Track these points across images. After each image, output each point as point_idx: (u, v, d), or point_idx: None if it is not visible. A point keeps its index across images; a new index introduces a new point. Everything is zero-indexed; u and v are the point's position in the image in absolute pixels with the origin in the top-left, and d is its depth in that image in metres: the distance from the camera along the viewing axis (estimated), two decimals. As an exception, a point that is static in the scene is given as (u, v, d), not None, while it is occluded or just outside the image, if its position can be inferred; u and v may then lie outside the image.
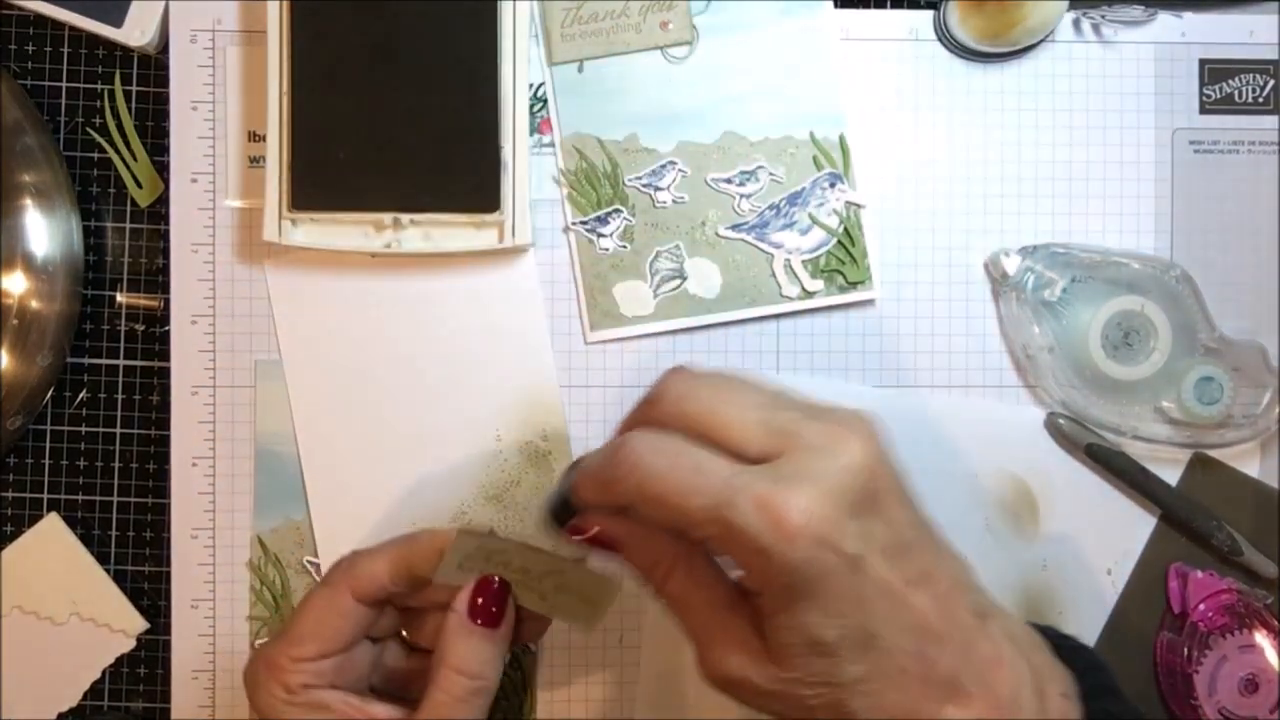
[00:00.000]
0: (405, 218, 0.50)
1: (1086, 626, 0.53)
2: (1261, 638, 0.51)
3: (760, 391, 0.36)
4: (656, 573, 0.38)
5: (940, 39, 0.53)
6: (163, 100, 0.52)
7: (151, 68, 0.53)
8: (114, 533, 0.53)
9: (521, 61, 0.50)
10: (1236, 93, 0.53)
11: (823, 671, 0.34)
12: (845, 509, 0.33)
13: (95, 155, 0.53)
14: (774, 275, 0.52)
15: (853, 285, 0.52)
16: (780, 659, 0.35)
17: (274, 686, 0.41)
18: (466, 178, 0.50)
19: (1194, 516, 0.52)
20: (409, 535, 0.42)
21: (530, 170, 0.51)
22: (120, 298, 0.53)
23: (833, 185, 0.52)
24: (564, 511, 0.39)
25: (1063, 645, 0.38)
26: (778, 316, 0.53)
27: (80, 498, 0.53)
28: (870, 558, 0.33)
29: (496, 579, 0.41)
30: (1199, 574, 0.52)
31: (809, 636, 0.34)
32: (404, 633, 0.45)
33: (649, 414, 0.36)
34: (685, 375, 0.36)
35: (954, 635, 0.34)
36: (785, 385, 0.37)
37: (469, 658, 0.40)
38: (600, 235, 0.52)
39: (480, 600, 0.41)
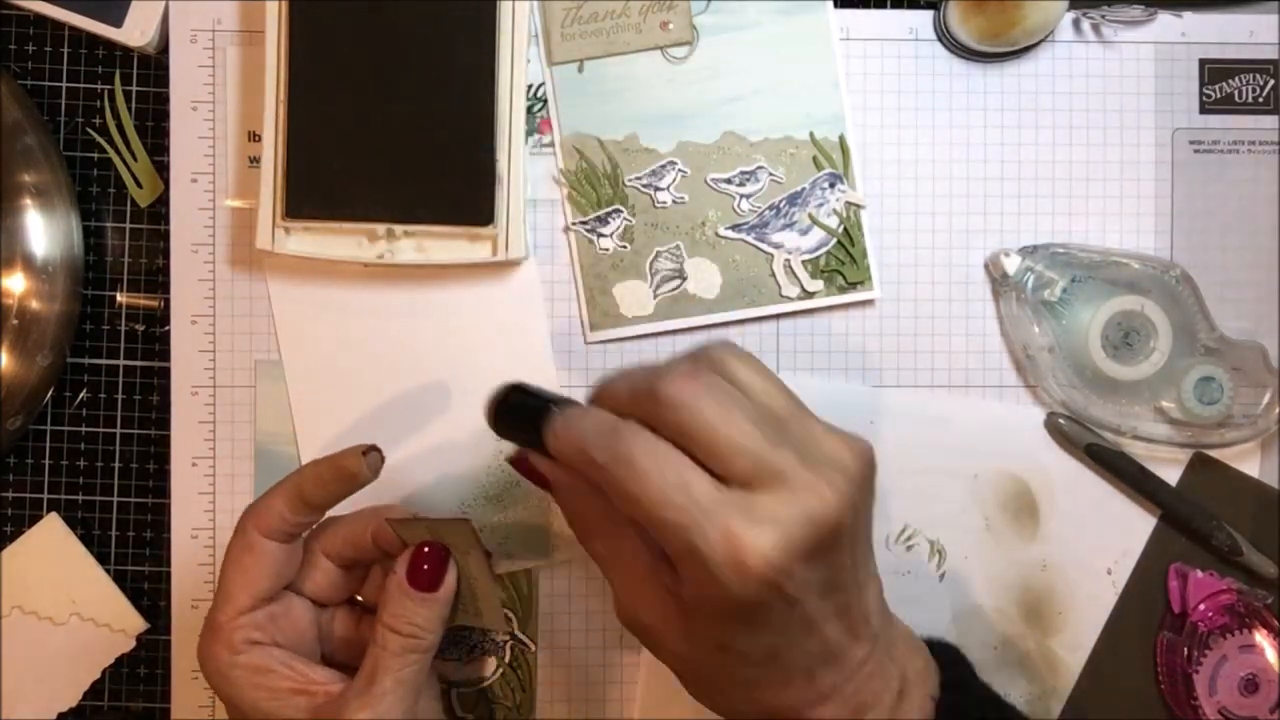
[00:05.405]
0: (399, 229, 0.49)
1: (1086, 626, 0.53)
2: (1261, 638, 0.51)
3: (768, 413, 0.37)
4: (583, 525, 0.41)
5: (940, 39, 0.53)
6: (163, 100, 0.52)
7: (151, 68, 0.53)
8: (114, 533, 0.53)
9: (519, 74, 0.50)
10: (1236, 93, 0.53)
11: (721, 663, 0.38)
12: (798, 557, 0.35)
13: (95, 155, 0.53)
14: (774, 275, 0.52)
15: (853, 285, 0.52)
16: (690, 638, 0.38)
17: (218, 650, 0.42)
18: (461, 190, 0.49)
19: (1194, 516, 0.52)
20: (299, 469, 0.44)
21: (527, 178, 0.51)
22: (120, 298, 0.53)
23: (833, 185, 0.52)
24: (517, 426, 0.41)
25: (933, 644, 0.42)
26: (778, 316, 0.53)
27: (80, 498, 0.53)
28: (805, 596, 0.36)
29: (437, 544, 0.43)
30: (1199, 574, 0.52)
31: (722, 642, 0.37)
32: (359, 597, 0.48)
33: (649, 409, 0.37)
34: (696, 384, 0.36)
35: (845, 658, 0.38)
36: (799, 400, 0.38)
37: (403, 616, 0.42)
38: (600, 235, 0.52)
39: (419, 564, 0.43)
